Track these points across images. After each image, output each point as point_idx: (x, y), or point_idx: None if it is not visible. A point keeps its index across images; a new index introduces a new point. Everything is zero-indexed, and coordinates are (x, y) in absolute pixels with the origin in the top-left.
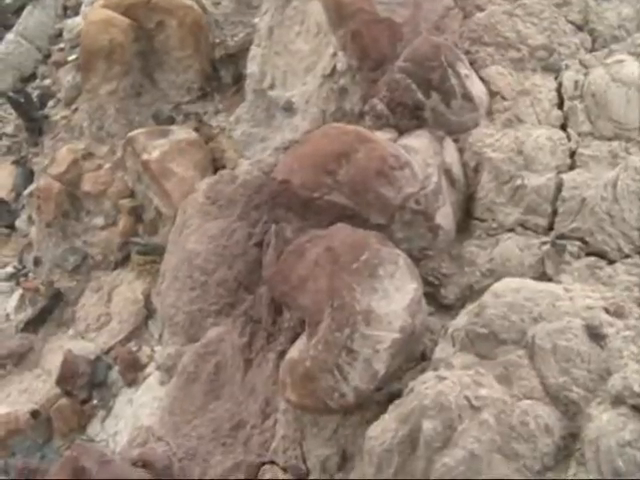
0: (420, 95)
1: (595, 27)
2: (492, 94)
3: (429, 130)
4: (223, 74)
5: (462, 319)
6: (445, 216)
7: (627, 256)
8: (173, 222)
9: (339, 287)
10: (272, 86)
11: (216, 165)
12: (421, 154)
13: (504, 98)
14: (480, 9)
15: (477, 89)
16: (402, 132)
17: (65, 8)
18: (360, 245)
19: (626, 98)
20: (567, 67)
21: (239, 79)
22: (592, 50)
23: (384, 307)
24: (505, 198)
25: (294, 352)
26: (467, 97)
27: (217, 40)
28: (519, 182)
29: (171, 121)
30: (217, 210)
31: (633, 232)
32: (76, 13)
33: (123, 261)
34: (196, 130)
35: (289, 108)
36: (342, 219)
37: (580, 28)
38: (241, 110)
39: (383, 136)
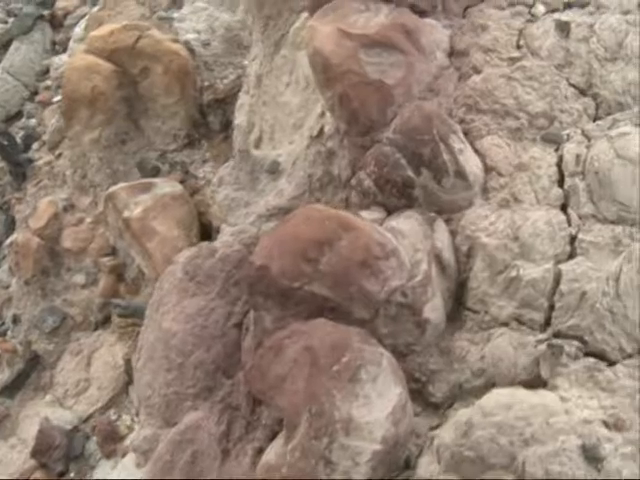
0: (410, 172)
1: (599, 92)
2: (488, 169)
3: (419, 211)
4: (211, 120)
5: (449, 433)
6: (434, 309)
7: (629, 356)
8: (154, 286)
9: (318, 392)
10: (260, 139)
11: (202, 220)
12: (410, 238)
13: (500, 174)
14: (476, 70)
15: (471, 165)
16: (390, 211)
17: (54, 43)
18: (341, 345)
19: (631, 178)
20: (568, 138)
21: (228, 125)
22: (595, 117)
23: (365, 415)
24: (499, 290)
25: (271, 455)
26: (460, 174)
27: (206, 83)
28: (514, 273)
29: (156, 171)
30: (195, 287)
31: (636, 330)
32: (65, 49)
33: (104, 322)
34: (181, 182)
35: (274, 171)
36: (323, 311)
37: (583, 93)
38: (224, 171)
39: (370, 216)
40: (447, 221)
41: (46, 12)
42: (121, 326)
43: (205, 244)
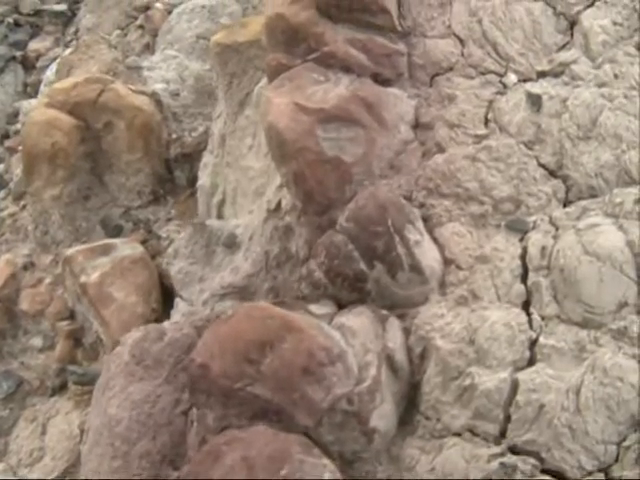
0: (362, 265)
1: (570, 174)
2: (447, 262)
3: (371, 308)
4: (178, 175)
5: None
6: (382, 417)
7: (589, 474)
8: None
9: None
10: (223, 202)
11: (163, 282)
12: (360, 337)
13: (460, 267)
14: (440, 148)
15: (429, 258)
16: (342, 304)
17: (25, 85)
18: (280, 457)
19: (599, 276)
20: (535, 226)
21: (194, 181)
22: (565, 202)
23: None
24: (452, 397)
25: None
26: (416, 269)
27: (174, 136)
28: (468, 382)
29: (119, 230)
30: (142, 371)
31: (597, 447)
32: (36, 91)
33: (60, 388)
34: (144, 242)
35: (231, 245)
36: (266, 413)
37: (553, 174)
38: (179, 243)
39: (319, 310)
40: (401, 316)
41: (18, 53)
42: (77, 393)
43: (153, 327)
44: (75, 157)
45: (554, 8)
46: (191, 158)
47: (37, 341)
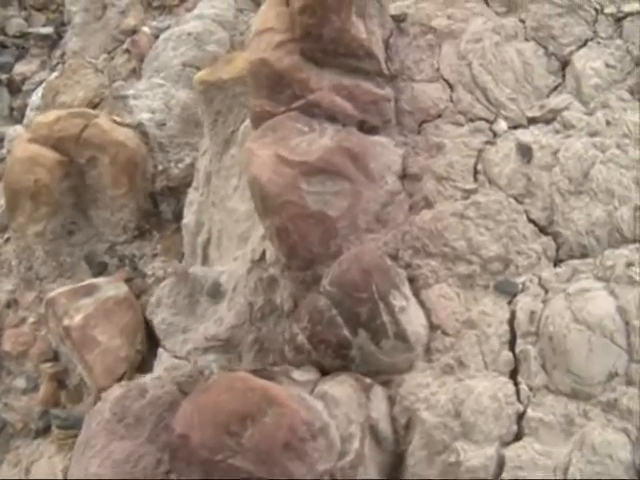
0: (346, 332)
1: (560, 231)
2: (433, 327)
3: (355, 376)
4: (164, 209)
5: None
6: None
7: None
8: (96, 396)
9: None
10: (208, 242)
11: (148, 322)
12: (343, 407)
13: (446, 333)
14: (428, 202)
15: (414, 324)
16: (326, 369)
17: (11, 109)
18: None
19: (588, 346)
20: (524, 288)
21: (180, 215)
22: (556, 260)
23: None
24: (437, 472)
25: None
26: (401, 336)
27: (160, 167)
28: (454, 458)
29: (104, 267)
30: (124, 429)
31: None
32: (22, 115)
33: (44, 431)
34: (128, 280)
35: (215, 294)
36: None
37: (543, 230)
38: (162, 291)
39: (301, 377)
40: (385, 383)
41: (4, 76)
42: (60, 437)
43: (135, 383)
44: (58, 193)
45: (545, 48)
46: (177, 192)
47: (20, 382)
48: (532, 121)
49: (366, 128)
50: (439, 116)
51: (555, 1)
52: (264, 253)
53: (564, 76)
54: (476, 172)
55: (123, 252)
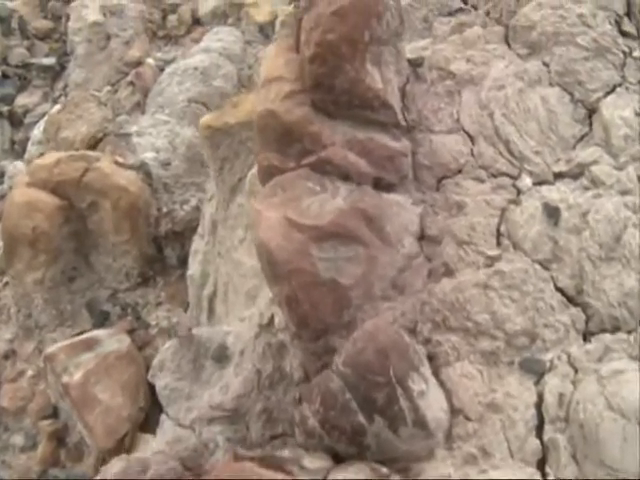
0: (361, 418)
1: (590, 301)
2: (454, 411)
3: (370, 466)
4: (168, 254)
5: None
6: None
7: None
8: (97, 456)
9: None
10: (214, 295)
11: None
12: None
13: (468, 418)
14: (448, 269)
15: (434, 409)
16: (339, 457)
17: (13, 142)
18: None
19: (623, 435)
20: (552, 366)
21: (186, 260)
22: (585, 334)
23: None
24: None
25: None
26: (420, 423)
27: (164, 209)
28: None
29: (105, 317)
30: None
31: None
32: (24, 149)
33: None
34: (131, 331)
35: (221, 357)
36: None
37: (571, 300)
38: (165, 354)
39: (312, 464)
40: (403, 471)
41: (5, 109)
42: None
43: (135, 458)
44: (58, 239)
45: (571, 94)
46: (182, 236)
47: (18, 439)
48: (558, 176)
49: (381, 185)
50: (459, 171)
51: (581, 43)
52: (272, 317)
53: (591, 125)
54: (499, 234)
55: (126, 300)
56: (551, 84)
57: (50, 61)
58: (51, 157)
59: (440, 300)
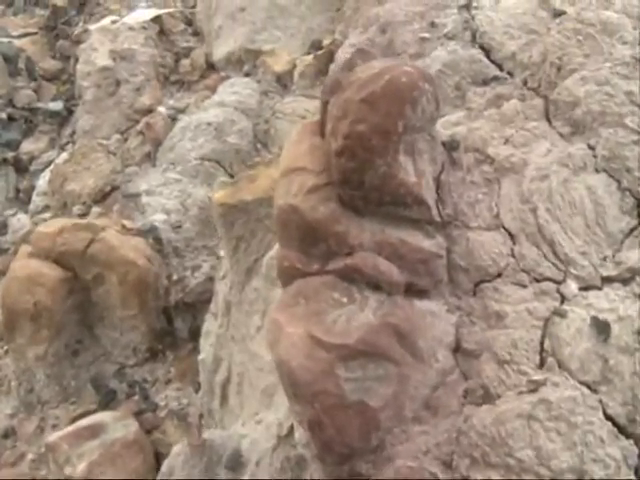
0: None
1: None
2: None
3: None
4: (179, 326)
5: None
6: None
7: None
8: None
9: None
10: (227, 382)
11: (160, 463)
12: None
13: None
14: (488, 394)
15: None
16: None
17: (17, 191)
18: None
19: None
20: None
21: (197, 333)
22: (637, 468)
23: None
24: None
25: None
26: None
27: (175, 277)
28: None
29: (112, 396)
30: None
31: None
32: (29, 198)
33: None
34: (139, 413)
35: (235, 465)
36: None
37: (622, 431)
38: (175, 461)
39: None
40: None
41: (10, 155)
42: None
43: None
44: (61, 313)
45: (619, 182)
46: (194, 308)
47: None
48: (607, 281)
49: (414, 291)
50: (499, 275)
51: (629, 125)
52: (292, 428)
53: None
54: (543, 350)
55: (133, 376)
56: (597, 170)
57: (57, 106)
58: (55, 224)
59: (479, 433)
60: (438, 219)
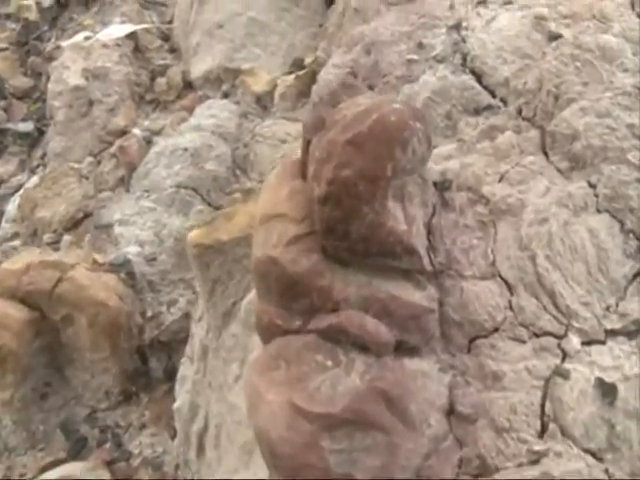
0: None
1: None
2: None
3: None
4: (153, 365)
5: None
6: None
7: None
8: None
9: None
10: (204, 430)
11: None
12: None
13: None
14: (485, 466)
15: None
16: None
17: None
18: None
19: None
20: None
21: (172, 373)
22: None
23: None
24: None
25: None
26: None
27: (149, 313)
28: None
29: (83, 443)
30: None
31: None
32: None
33: None
34: (111, 463)
35: None
36: None
37: None
38: None
39: None
40: None
41: None
42: None
43: None
44: (28, 357)
45: (622, 223)
46: (169, 347)
47: None
48: (611, 334)
49: (403, 349)
50: (495, 330)
51: (632, 162)
52: None
53: None
54: (544, 415)
55: (105, 421)
56: (599, 210)
57: (28, 127)
58: (20, 261)
59: None
60: (430, 268)
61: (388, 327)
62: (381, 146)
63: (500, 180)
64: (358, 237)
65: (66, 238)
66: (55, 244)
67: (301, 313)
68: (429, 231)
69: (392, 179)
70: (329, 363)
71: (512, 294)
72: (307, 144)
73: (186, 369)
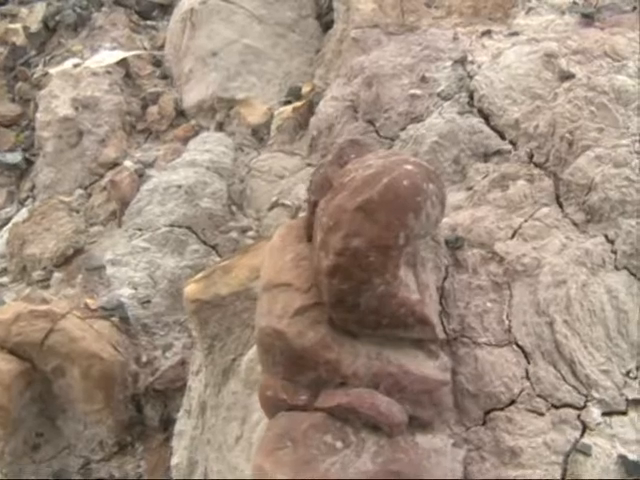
0: None
1: None
2: None
3: None
4: (149, 414)
5: None
6: None
7: None
8: None
9: None
10: None
11: None
12: None
13: None
14: None
15: None
16: None
17: None
18: None
19: None
20: None
21: (169, 422)
22: None
23: None
24: None
25: None
26: None
27: (144, 358)
28: None
29: None
30: None
31: None
32: None
33: None
34: None
35: None
36: None
37: None
38: None
39: None
40: None
41: None
42: None
43: None
44: (18, 409)
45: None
46: (164, 395)
47: None
48: (632, 404)
49: (416, 424)
50: (512, 402)
51: None
52: None
53: None
54: None
55: (99, 472)
56: (617, 267)
57: (15, 158)
58: (9, 310)
59: None
60: (443, 336)
61: (400, 402)
62: (393, 214)
63: (513, 236)
64: (368, 309)
65: (57, 275)
66: (45, 281)
67: (307, 387)
68: (442, 295)
69: (405, 247)
70: (338, 444)
71: (529, 362)
72: (313, 205)
73: (184, 424)
